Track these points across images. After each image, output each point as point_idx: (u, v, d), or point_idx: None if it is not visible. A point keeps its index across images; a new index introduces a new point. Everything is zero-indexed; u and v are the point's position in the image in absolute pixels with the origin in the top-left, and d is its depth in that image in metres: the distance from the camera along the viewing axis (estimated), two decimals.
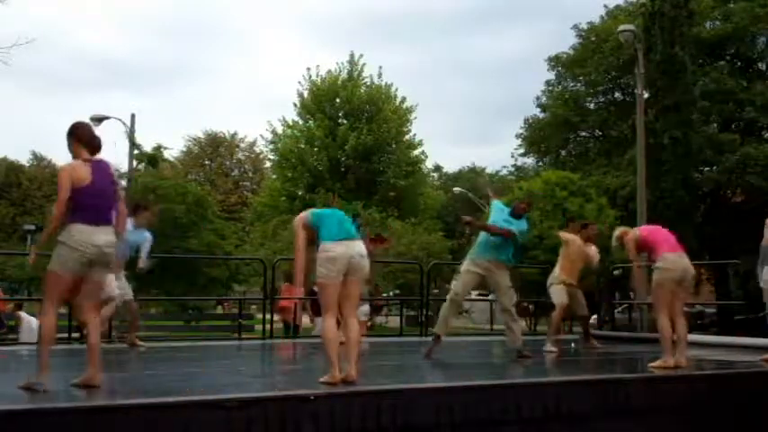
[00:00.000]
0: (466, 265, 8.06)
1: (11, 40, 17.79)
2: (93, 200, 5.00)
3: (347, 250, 5.50)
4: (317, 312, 12.61)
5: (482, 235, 8.10)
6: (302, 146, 32.22)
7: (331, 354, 5.35)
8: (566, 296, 9.31)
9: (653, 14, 23.89)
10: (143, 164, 25.12)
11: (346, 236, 5.58)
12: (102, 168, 5.12)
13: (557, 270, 9.54)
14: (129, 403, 4.59)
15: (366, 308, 15.70)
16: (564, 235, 9.74)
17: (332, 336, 5.42)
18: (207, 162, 50.43)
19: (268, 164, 40.64)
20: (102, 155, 5.21)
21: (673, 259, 6.96)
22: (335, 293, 5.48)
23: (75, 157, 5.11)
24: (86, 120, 6.16)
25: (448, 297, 8.36)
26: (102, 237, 5.00)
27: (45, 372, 4.88)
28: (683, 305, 7.34)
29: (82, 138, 5.13)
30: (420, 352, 8.22)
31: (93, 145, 5.15)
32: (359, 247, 5.60)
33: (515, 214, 8.02)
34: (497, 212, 8.18)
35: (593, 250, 9.66)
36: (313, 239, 5.72)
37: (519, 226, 7.94)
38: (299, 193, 32.12)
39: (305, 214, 5.88)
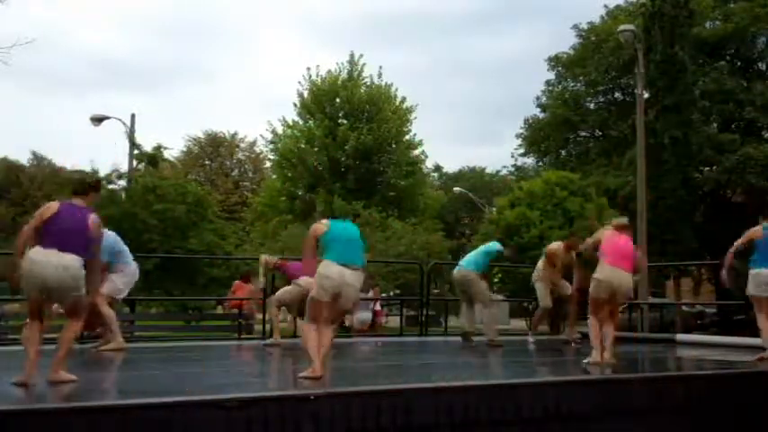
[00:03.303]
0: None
1: (11, 40, 17.81)
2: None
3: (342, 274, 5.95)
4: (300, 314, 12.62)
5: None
6: (302, 146, 32.20)
7: (312, 350, 5.79)
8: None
9: (653, 14, 23.91)
10: (143, 164, 25.12)
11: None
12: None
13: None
14: (130, 403, 4.59)
15: (367, 315, 15.74)
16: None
17: (312, 334, 5.88)
18: (207, 162, 50.41)
19: (268, 164, 40.63)
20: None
21: (608, 272, 7.41)
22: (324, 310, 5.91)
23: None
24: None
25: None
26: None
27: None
28: (618, 310, 7.88)
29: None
30: (420, 352, 8.21)
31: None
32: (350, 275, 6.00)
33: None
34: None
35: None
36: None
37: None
38: (299, 193, 32.10)
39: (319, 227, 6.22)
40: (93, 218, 5.57)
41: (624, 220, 8.15)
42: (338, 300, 5.94)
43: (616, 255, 7.48)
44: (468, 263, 10.05)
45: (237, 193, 46.72)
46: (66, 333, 5.51)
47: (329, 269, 5.92)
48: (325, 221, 6.23)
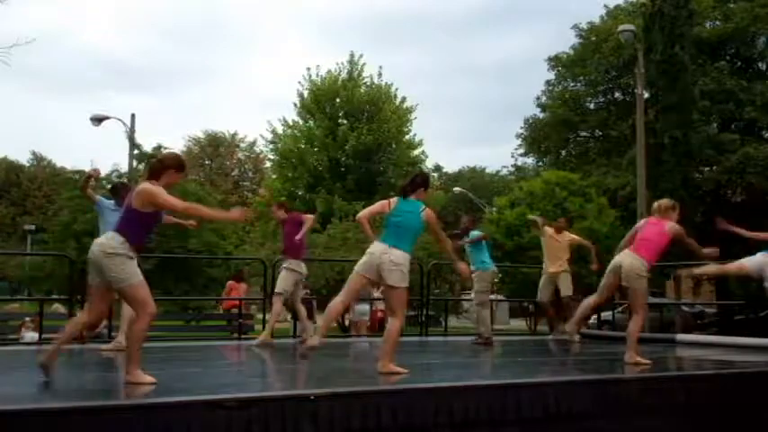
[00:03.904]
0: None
1: (11, 40, 17.77)
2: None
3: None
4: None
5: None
6: (302, 146, 32.20)
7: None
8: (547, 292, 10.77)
9: (653, 14, 23.88)
10: (143, 164, 25.14)
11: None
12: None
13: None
14: (130, 403, 4.59)
15: (365, 308, 15.74)
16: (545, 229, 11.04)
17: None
18: (207, 162, 50.47)
19: (268, 164, 40.67)
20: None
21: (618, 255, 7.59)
22: None
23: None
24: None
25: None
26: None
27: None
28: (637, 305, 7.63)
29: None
30: (420, 352, 8.21)
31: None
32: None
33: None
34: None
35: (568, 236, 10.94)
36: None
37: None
38: (299, 193, 32.10)
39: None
40: (142, 186, 5.17)
41: (659, 203, 7.69)
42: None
43: (637, 240, 7.41)
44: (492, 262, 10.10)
45: (237, 193, 46.77)
46: (131, 329, 5.27)
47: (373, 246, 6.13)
48: (393, 201, 6.31)
